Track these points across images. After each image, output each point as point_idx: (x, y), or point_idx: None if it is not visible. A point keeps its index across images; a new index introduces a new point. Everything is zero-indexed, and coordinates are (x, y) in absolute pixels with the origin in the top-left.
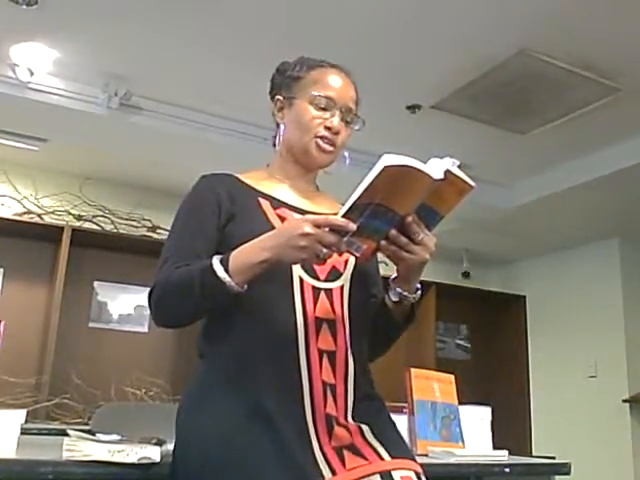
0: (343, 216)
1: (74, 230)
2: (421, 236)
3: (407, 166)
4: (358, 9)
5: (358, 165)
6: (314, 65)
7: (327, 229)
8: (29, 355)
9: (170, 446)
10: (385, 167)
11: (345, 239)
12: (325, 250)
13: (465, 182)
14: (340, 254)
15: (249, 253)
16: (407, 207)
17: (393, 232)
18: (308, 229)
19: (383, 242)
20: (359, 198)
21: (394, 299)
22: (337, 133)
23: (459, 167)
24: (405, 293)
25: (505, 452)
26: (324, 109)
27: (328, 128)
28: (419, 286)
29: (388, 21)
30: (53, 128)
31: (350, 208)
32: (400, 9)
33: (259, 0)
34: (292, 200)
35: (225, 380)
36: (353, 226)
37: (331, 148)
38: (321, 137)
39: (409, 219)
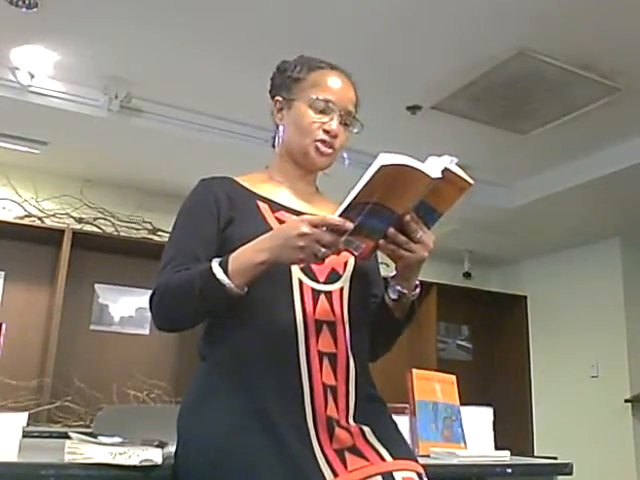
0: (340, 215)
1: (75, 233)
2: (419, 234)
3: (404, 165)
4: (358, 9)
5: (358, 166)
6: (314, 66)
7: (325, 229)
8: (31, 358)
9: (172, 448)
10: (382, 166)
11: (343, 238)
12: (323, 250)
13: (463, 179)
14: (338, 254)
15: (247, 255)
16: (405, 206)
17: (391, 230)
18: (305, 229)
19: (382, 241)
20: (356, 197)
21: (393, 297)
22: (335, 136)
23: (457, 165)
24: (404, 291)
25: (507, 452)
26: (323, 112)
27: (327, 131)
28: (418, 284)
29: (388, 21)
30: (54, 131)
31: (347, 207)
32: (400, 9)
33: (259, 1)
34: (291, 203)
35: (226, 382)
36: (350, 225)
37: (330, 151)
38: (320, 140)
39: (407, 217)
